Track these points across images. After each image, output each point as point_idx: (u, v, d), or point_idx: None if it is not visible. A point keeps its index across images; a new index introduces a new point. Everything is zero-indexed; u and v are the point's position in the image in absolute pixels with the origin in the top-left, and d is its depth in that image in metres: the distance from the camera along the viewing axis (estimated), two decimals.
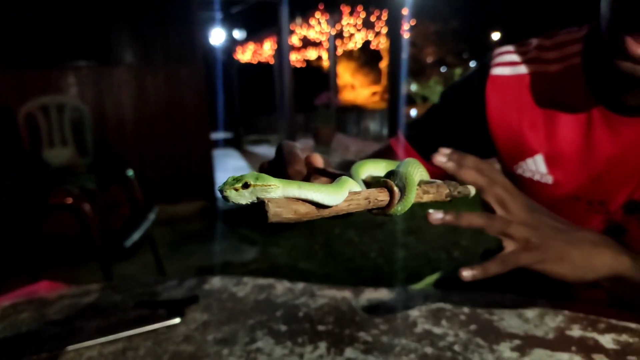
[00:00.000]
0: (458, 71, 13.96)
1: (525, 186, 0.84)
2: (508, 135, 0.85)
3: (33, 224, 2.32)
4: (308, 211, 0.40)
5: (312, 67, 16.74)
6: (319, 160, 0.54)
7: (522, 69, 0.84)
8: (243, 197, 0.38)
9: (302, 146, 0.58)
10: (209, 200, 5.00)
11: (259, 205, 0.38)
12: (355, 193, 0.44)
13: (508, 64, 0.86)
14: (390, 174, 0.48)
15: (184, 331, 0.70)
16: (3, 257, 2.37)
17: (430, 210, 0.57)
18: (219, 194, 0.39)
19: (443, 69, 17.55)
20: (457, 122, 0.92)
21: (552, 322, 0.68)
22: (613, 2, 0.65)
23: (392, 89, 7.21)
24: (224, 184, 0.39)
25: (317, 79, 15.35)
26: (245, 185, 0.38)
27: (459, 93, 0.93)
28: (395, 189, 0.46)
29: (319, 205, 0.41)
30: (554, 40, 0.83)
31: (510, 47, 0.88)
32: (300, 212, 0.39)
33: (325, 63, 15.15)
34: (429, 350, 0.62)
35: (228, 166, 7.98)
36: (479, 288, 0.82)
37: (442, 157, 0.60)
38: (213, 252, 3.82)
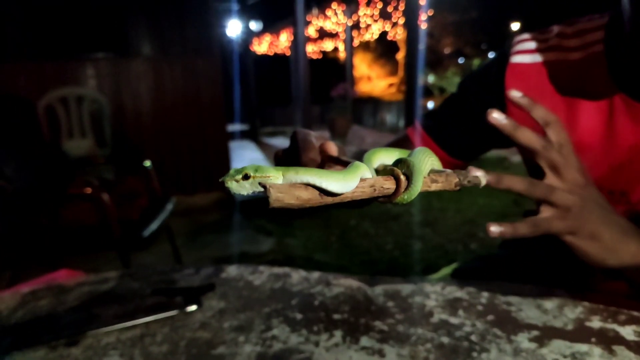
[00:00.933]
0: (476, 62, 13.79)
1: None
2: (527, 124, 0.84)
3: (52, 214, 2.36)
4: (311, 197, 0.40)
5: (328, 59, 16.68)
6: (333, 148, 0.54)
7: (543, 57, 0.82)
8: (244, 188, 0.39)
9: (316, 134, 0.58)
10: (225, 191, 5.03)
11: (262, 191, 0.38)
12: (361, 180, 0.44)
13: (528, 52, 0.84)
14: (399, 162, 0.47)
15: (200, 318, 0.71)
16: (23, 247, 2.42)
17: (491, 227, 0.56)
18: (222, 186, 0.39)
19: (461, 60, 17.35)
20: (476, 111, 0.90)
21: (571, 313, 0.67)
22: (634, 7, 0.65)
23: (409, 81, 7.15)
24: (226, 175, 0.39)
25: (333, 71, 15.30)
26: (246, 177, 0.39)
27: (477, 82, 0.92)
28: (402, 177, 0.45)
29: (325, 192, 0.41)
30: (575, 28, 0.82)
31: (530, 35, 0.86)
32: (303, 198, 0.39)
33: (342, 54, 15.08)
34: (445, 340, 0.62)
35: (244, 158, 8.01)
36: (497, 278, 0.81)
37: (498, 114, 0.57)
38: (229, 243, 3.85)
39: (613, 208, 0.62)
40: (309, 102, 9.72)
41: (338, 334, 0.64)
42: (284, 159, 0.59)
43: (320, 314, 0.70)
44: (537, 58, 0.83)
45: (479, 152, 0.98)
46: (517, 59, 0.84)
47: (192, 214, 4.51)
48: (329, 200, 0.41)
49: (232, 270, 0.88)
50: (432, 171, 0.50)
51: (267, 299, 0.76)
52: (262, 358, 0.60)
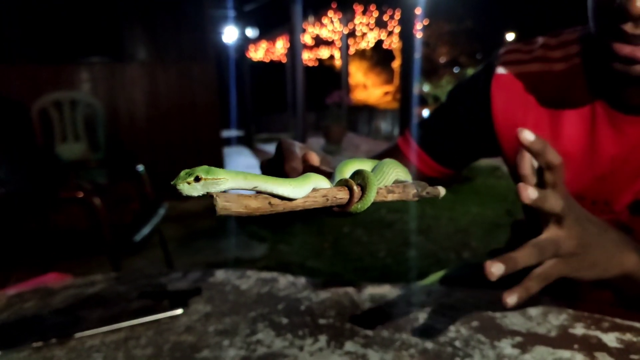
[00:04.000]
0: (470, 71, 13.82)
1: None
2: (513, 134, 0.85)
3: (44, 217, 2.35)
4: (260, 206, 0.41)
5: (324, 66, 16.72)
6: (314, 158, 0.56)
7: (528, 68, 0.83)
8: (195, 190, 0.39)
9: (301, 145, 0.59)
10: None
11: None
12: (315, 190, 0.45)
13: (513, 63, 0.85)
14: (355, 174, 0.48)
15: (185, 322, 0.70)
16: (13, 250, 2.40)
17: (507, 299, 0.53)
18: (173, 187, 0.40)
19: (456, 70, 17.45)
20: (463, 121, 0.91)
21: (555, 320, 0.68)
22: (594, 11, 0.66)
23: (404, 89, 7.18)
24: (177, 177, 0.40)
25: (329, 78, 15.32)
26: (197, 179, 0.39)
27: (465, 92, 0.93)
28: (355, 187, 0.46)
29: (278, 197, 0.42)
30: (559, 39, 0.83)
31: (516, 46, 0.87)
32: (251, 207, 0.40)
33: (338, 62, 15.13)
34: (429, 345, 0.62)
35: (239, 164, 8.01)
36: (485, 285, 0.81)
37: (530, 135, 0.52)
38: (222, 249, 3.84)
39: (603, 223, 0.61)
40: (305, 109, 9.74)
41: (323, 339, 0.64)
42: (268, 168, 0.60)
43: (306, 318, 0.70)
44: (522, 69, 0.84)
45: (468, 161, 0.99)
46: (502, 69, 0.85)
47: (185, 219, 4.50)
48: (280, 208, 0.42)
49: (219, 275, 0.88)
50: (396, 182, 0.52)
51: (254, 304, 0.76)
52: None
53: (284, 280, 0.85)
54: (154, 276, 0.88)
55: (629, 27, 0.61)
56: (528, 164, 0.56)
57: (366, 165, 0.55)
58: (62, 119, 3.84)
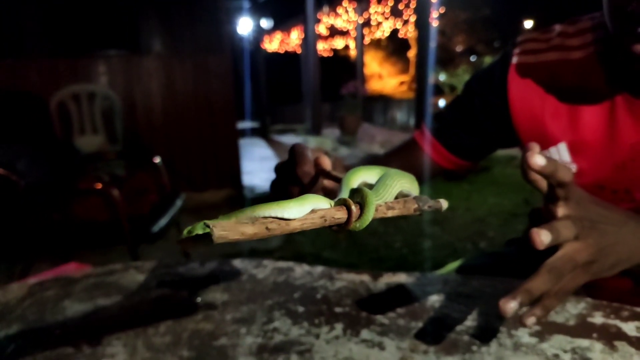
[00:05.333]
0: (488, 60, 13.65)
1: None
2: (530, 124, 0.84)
3: (63, 209, 2.39)
4: (257, 232, 0.41)
5: (339, 56, 16.63)
6: (326, 162, 0.57)
7: (545, 57, 0.82)
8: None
9: (313, 148, 0.60)
10: (235, 188, 5.05)
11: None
12: (313, 211, 0.45)
13: (530, 52, 0.84)
14: (354, 192, 0.48)
15: (203, 310, 0.71)
16: (34, 241, 2.45)
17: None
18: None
19: (473, 58, 17.23)
20: (480, 112, 0.90)
21: (573, 309, 0.67)
22: (609, 14, 0.67)
23: (420, 79, 7.12)
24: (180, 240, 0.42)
25: (344, 68, 15.25)
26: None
27: (481, 83, 0.92)
28: (353, 207, 0.46)
29: (280, 219, 0.43)
30: (577, 27, 0.81)
31: (532, 35, 0.86)
32: (248, 233, 0.41)
33: (353, 52, 15.04)
34: (445, 333, 0.62)
35: (254, 155, 8.03)
36: (502, 274, 0.81)
37: (540, 160, 0.50)
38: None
39: (621, 215, 0.59)
40: (319, 99, 9.73)
41: (339, 327, 0.65)
42: (281, 171, 0.62)
43: (322, 307, 0.71)
44: (539, 58, 0.82)
45: (485, 153, 0.98)
46: (519, 59, 0.84)
47: (203, 210, 4.53)
48: (277, 232, 0.42)
49: (236, 264, 0.89)
50: (400, 194, 0.52)
51: (270, 292, 0.76)
52: (263, 349, 0.60)
53: (300, 270, 0.85)
54: (172, 266, 0.89)
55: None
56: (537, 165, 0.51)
57: (373, 174, 0.56)
58: (80, 112, 3.89)
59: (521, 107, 0.84)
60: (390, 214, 0.49)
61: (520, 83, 0.83)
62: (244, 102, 11.21)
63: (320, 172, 0.57)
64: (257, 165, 6.65)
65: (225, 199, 4.91)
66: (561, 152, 0.80)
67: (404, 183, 0.53)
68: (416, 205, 0.50)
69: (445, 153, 0.94)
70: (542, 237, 0.49)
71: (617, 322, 0.63)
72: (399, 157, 1.00)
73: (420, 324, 0.65)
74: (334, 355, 0.58)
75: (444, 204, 0.52)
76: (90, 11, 4.64)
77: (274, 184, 0.63)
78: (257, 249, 3.51)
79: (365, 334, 0.63)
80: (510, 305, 0.49)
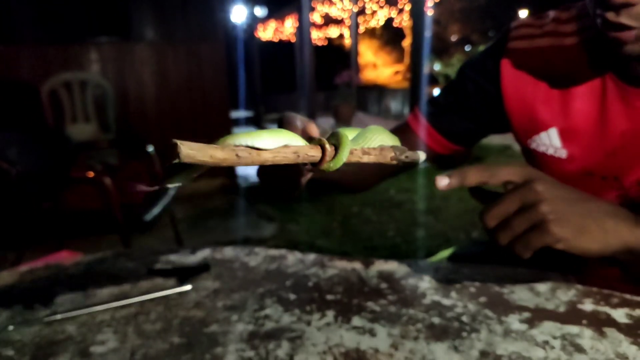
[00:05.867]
0: (482, 49, 13.65)
1: (539, 161, 0.82)
2: (522, 109, 0.84)
3: (55, 197, 2.37)
4: (226, 157, 0.40)
5: (333, 45, 16.57)
6: (314, 130, 0.56)
7: (538, 43, 0.82)
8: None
9: (303, 118, 0.60)
10: (229, 177, 5.04)
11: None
12: (286, 146, 0.44)
13: (524, 38, 0.84)
14: (331, 135, 0.48)
15: (194, 298, 0.71)
16: (26, 229, 2.43)
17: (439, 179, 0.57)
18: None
19: (467, 48, 17.20)
20: (473, 97, 0.90)
21: (564, 295, 0.67)
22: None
23: (415, 68, 7.09)
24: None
25: (338, 58, 15.20)
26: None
27: (475, 68, 0.92)
28: (328, 146, 0.46)
29: (253, 148, 0.42)
30: (570, 13, 0.81)
31: (526, 21, 0.86)
32: (217, 157, 0.39)
33: (347, 41, 14.98)
34: (436, 320, 0.62)
35: None
36: (493, 262, 0.81)
37: (444, 180, 0.59)
38: (232, 228, 3.86)
39: (588, 195, 0.61)
40: (314, 89, 9.68)
41: (330, 314, 0.65)
42: None
43: (314, 294, 0.71)
44: (532, 44, 0.82)
45: (478, 138, 0.98)
46: (513, 44, 0.84)
47: (195, 199, 4.52)
48: (248, 161, 0.41)
49: (228, 252, 0.89)
50: (382, 146, 0.51)
51: (262, 280, 0.76)
52: (254, 336, 0.60)
53: (292, 257, 0.85)
54: (163, 253, 0.89)
55: (611, 16, 0.63)
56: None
57: (354, 133, 0.55)
58: (72, 100, 3.85)
59: (513, 93, 0.84)
60: (365, 159, 0.49)
61: (513, 68, 0.83)
62: (237, 91, 11.14)
63: (309, 139, 0.57)
64: None
65: (218, 188, 4.90)
66: (551, 137, 0.80)
67: (386, 139, 0.52)
68: (393, 154, 0.50)
69: (438, 137, 0.94)
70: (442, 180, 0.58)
71: (607, 309, 0.63)
72: None
73: (411, 311, 0.65)
74: (325, 342, 0.58)
75: (422, 155, 0.52)
76: None
77: None
78: (250, 237, 3.51)
79: (356, 320, 0.63)
80: (444, 181, 0.58)
